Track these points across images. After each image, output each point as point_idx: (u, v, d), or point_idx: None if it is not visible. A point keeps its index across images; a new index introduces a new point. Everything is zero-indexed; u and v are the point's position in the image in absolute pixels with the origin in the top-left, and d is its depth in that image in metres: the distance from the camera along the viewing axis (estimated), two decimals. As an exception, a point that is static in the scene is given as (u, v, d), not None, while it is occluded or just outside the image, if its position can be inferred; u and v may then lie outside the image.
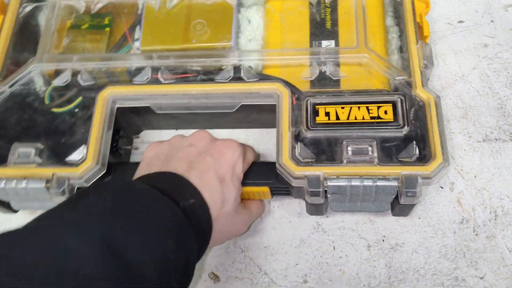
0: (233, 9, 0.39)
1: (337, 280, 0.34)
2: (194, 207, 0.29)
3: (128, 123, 0.40)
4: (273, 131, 0.36)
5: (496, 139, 0.39)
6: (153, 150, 0.34)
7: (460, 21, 0.45)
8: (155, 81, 0.37)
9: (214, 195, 0.30)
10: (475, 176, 0.38)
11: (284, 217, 0.37)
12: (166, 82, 0.36)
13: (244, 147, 0.34)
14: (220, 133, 0.41)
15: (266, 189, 0.34)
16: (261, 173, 0.34)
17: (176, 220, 0.27)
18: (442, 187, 0.38)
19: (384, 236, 0.36)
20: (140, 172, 0.33)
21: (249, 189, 0.34)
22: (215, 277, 0.35)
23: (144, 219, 0.26)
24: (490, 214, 0.36)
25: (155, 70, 0.37)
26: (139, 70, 0.37)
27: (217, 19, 0.38)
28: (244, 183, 0.33)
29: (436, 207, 0.37)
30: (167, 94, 0.36)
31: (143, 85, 0.36)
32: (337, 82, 0.35)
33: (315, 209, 0.35)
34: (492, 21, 0.44)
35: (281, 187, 0.34)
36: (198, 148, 0.33)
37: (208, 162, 0.31)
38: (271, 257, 0.36)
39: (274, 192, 0.35)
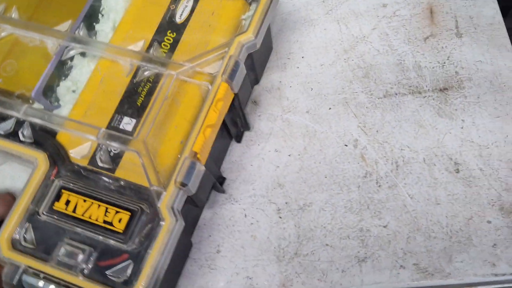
0: (52, 58, 0.36)
1: (249, 246, 0.36)
2: None
3: None
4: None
5: (396, 94, 0.41)
6: None
7: (359, -17, 0.45)
8: None
9: None
10: (377, 131, 0.40)
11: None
12: None
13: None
14: None
15: None
16: None
17: None
18: (346, 145, 0.40)
19: (292, 198, 0.38)
20: None
21: None
22: None
23: None
24: (391, 165, 0.38)
25: None
26: None
27: (31, 65, 0.36)
28: None
29: (342, 165, 0.39)
30: None
31: None
32: (113, 167, 0.33)
33: None
34: (389, -21, 0.45)
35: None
36: None
37: None
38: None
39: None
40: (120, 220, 0.31)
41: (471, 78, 0.41)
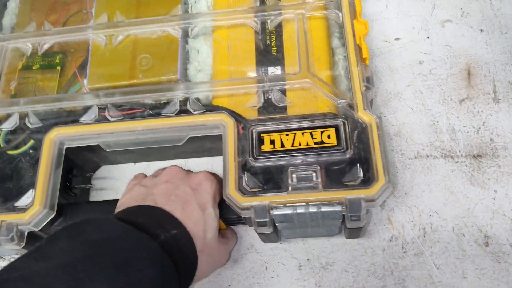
0: (179, 42, 0.39)
1: (268, 301, 0.36)
2: (176, 238, 0.28)
3: (83, 160, 0.40)
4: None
5: (428, 156, 0.40)
6: (129, 192, 0.34)
7: (397, 38, 0.44)
8: (102, 119, 0.37)
9: (197, 226, 0.30)
10: (405, 193, 0.39)
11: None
12: (113, 119, 0.37)
13: (218, 176, 0.35)
14: (179, 163, 0.40)
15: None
16: None
17: (153, 259, 0.26)
18: (374, 206, 0.38)
19: (314, 255, 0.37)
20: (120, 205, 0.33)
21: None
22: None
23: (116, 265, 0.24)
24: (419, 231, 0.37)
25: (102, 108, 0.37)
26: (86, 109, 0.37)
27: (163, 53, 0.39)
28: None
29: (367, 225, 0.38)
30: (114, 132, 0.36)
31: (90, 124, 0.37)
32: (283, 108, 0.35)
33: (267, 238, 0.35)
34: (428, 37, 0.44)
35: (233, 217, 0.34)
36: (174, 182, 0.32)
37: (188, 193, 0.31)
38: (204, 279, 0.37)
39: (228, 222, 0.36)
40: (329, 136, 0.33)
41: (506, 147, 0.39)
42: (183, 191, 0.31)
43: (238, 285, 0.36)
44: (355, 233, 0.35)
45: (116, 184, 0.42)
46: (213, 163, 0.41)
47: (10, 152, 0.37)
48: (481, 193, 0.38)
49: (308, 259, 0.37)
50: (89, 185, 0.42)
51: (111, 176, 0.43)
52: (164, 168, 0.36)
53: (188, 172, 0.34)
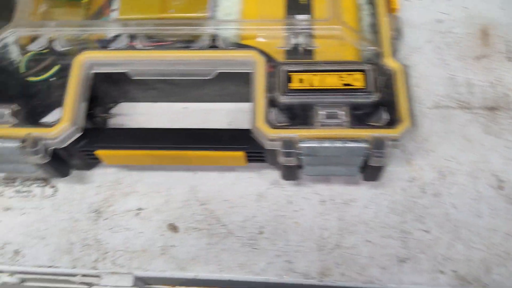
0: None
1: (291, 231, 0.35)
2: None
3: (104, 93, 0.39)
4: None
5: (446, 106, 0.40)
6: None
7: (418, -3, 0.45)
8: (131, 48, 0.36)
9: None
10: (424, 140, 0.39)
11: (245, 173, 0.38)
12: (143, 48, 0.35)
13: None
14: (199, 106, 0.40)
15: (241, 154, 0.34)
16: (236, 138, 0.34)
17: None
18: (394, 149, 0.39)
19: (337, 192, 0.37)
20: None
21: (224, 153, 0.34)
22: (173, 228, 0.36)
23: None
24: (437, 174, 0.37)
25: (132, 37, 0.36)
26: (116, 37, 0.36)
27: None
28: (219, 147, 0.33)
29: (388, 167, 0.38)
30: (144, 60, 0.35)
31: (120, 50, 0.35)
32: (310, 53, 0.35)
33: (289, 174, 0.35)
34: (448, -1, 0.44)
35: (256, 152, 0.34)
36: None
37: None
38: (230, 210, 0.36)
39: (250, 158, 0.35)
40: (357, 79, 0.33)
41: (519, 101, 0.40)
42: None
43: (262, 217, 0.36)
44: (374, 175, 0.35)
45: (131, 122, 0.40)
46: (235, 109, 0.40)
47: (32, 79, 0.35)
48: (496, 141, 0.38)
49: (331, 195, 0.37)
50: (110, 114, 0.40)
51: (128, 113, 0.41)
52: None
53: None
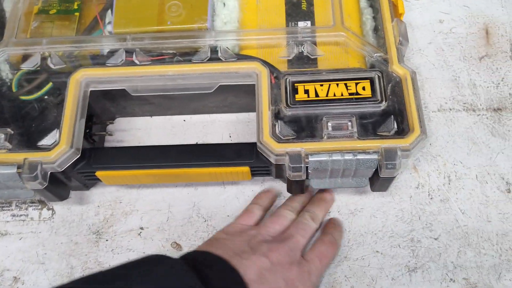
0: None
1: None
2: None
3: (101, 109, 0.37)
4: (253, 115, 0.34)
5: (450, 109, 0.39)
6: (238, 233, 0.31)
7: (417, -2, 0.43)
8: (129, 64, 0.34)
9: None
10: (430, 144, 0.38)
11: (248, 186, 0.37)
12: (141, 64, 0.34)
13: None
14: (199, 119, 0.39)
15: (246, 169, 0.32)
16: (241, 153, 0.32)
17: None
18: (399, 156, 0.37)
19: (344, 202, 0.36)
20: (219, 238, 0.31)
21: (228, 169, 0.32)
22: (177, 246, 0.35)
23: None
24: (444, 179, 0.36)
25: (129, 52, 0.34)
26: (112, 53, 0.34)
27: (192, 1, 0.36)
28: (222, 163, 0.32)
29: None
30: (143, 76, 0.33)
31: (118, 67, 0.34)
32: (314, 61, 0.34)
33: (295, 188, 0.34)
34: (447, -3, 0.43)
35: (261, 166, 0.32)
36: (281, 268, 0.29)
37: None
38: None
39: (254, 173, 0.34)
40: (363, 88, 0.32)
41: (524, 101, 0.39)
42: (281, 284, 0.28)
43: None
44: (384, 185, 0.34)
45: (129, 137, 0.39)
46: (235, 120, 0.39)
47: (24, 98, 0.33)
48: (502, 143, 0.37)
49: (336, 206, 0.36)
50: (108, 132, 0.39)
51: (126, 128, 0.40)
52: (289, 228, 0.32)
53: (302, 262, 0.30)
